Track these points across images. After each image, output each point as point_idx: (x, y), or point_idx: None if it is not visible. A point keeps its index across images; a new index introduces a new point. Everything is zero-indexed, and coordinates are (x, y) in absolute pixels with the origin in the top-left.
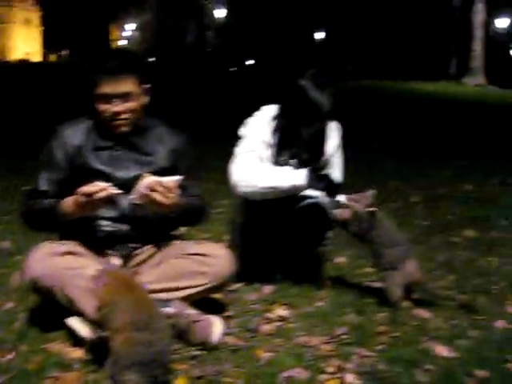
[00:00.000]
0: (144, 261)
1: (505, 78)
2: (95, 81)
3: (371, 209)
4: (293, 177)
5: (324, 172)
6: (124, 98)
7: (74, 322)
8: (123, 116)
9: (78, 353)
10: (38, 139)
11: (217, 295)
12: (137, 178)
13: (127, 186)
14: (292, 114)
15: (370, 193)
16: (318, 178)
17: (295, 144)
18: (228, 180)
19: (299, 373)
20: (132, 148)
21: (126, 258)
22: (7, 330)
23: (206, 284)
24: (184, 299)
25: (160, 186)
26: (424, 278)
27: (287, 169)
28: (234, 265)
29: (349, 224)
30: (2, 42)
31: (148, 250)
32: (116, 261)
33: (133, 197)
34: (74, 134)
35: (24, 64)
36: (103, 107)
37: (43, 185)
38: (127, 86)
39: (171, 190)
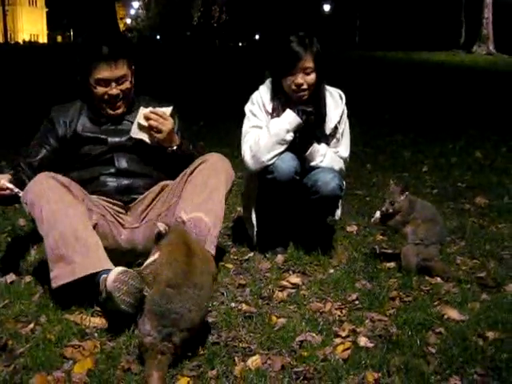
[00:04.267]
0: (147, 207)
1: None
2: (93, 67)
3: (404, 194)
4: (283, 118)
5: (332, 145)
6: (120, 80)
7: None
8: (120, 97)
9: (96, 322)
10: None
11: (230, 265)
12: (129, 139)
13: (120, 148)
14: (276, 63)
15: (392, 185)
16: (304, 112)
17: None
18: (240, 155)
19: (313, 337)
20: (123, 124)
21: (128, 206)
22: (27, 302)
23: (224, 177)
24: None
25: (154, 114)
26: (440, 266)
27: (275, 118)
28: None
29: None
30: (8, 24)
31: (149, 194)
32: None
33: (133, 131)
34: (66, 113)
35: (33, 45)
36: (101, 90)
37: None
38: (122, 69)
39: (165, 117)
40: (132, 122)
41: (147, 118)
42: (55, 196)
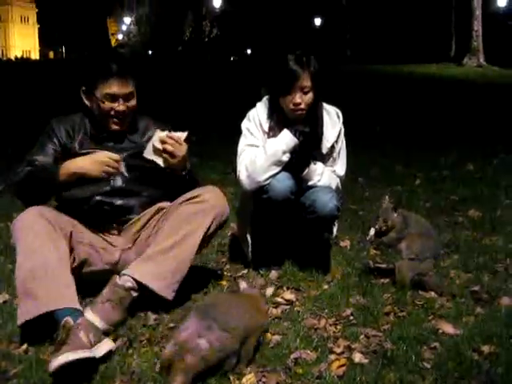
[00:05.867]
0: (141, 227)
1: (504, 57)
2: (103, 81)
3: (397, 211)
4: (280, 139)
5: (329, 163)
6: (127, 97)
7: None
8: (125, 115)
9: None
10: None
11: (224, 282)
12: (127, 158)
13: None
14: (273, 82)
15: (386, 200)
16: (301, 133)
17: (286, 121)
18: (234, 171)
19: (308, 354)
20: (123, 141)
21: (122, 227)
22: None
23: (210, 219)
24: (201, 243)
25: (170, 139)
26: (434, 281)
27: (272, 139)
28: (224, 197)
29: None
30: (0, 41)
31: (144, 216)
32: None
33: (146, 151)
34: (66, 126)
35: (25, 62)
36: (109, 106)
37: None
38: (131, 86)
39: (180, 143)
40: (135, 143)
41: (163, 142)
42: (37, 231)
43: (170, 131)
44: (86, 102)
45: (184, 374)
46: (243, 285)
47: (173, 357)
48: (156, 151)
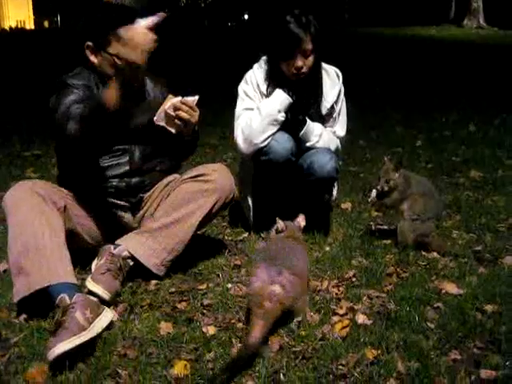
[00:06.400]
0: (151, 205)
1: (504, 19)
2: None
3: (399, 171)
4: (273, 98)
5: (329, 124)
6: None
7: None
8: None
9: None
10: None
11: (224, 246)
12: (144, 125)
13: (137, 135)
14: (273, 47)
15: (386, 161)
16: (294, 91)
17: (285, 83)
18: (232, 137)
19: (311, 316)
20: (133, 99)
21: (136, 206)
22: None
23: (214, 199)
24: (201, 223)
25: (184, 105)
26: (436, 241)
27: (265, 99)
28: (232, 177)
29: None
30: None
31: (153, 192)
32: None
33: (158, 117)
34: (80, 83)
35: (20, 32)
36: None
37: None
38: None
39: (195, 109)
40: (137, 100)
41: (176, 109)
42: (27, 206)
43: (183, 97)
44: (94, 60)
45: (265, 319)
46: (281, 224)
47: (251, 306)
48: (168, 117)
